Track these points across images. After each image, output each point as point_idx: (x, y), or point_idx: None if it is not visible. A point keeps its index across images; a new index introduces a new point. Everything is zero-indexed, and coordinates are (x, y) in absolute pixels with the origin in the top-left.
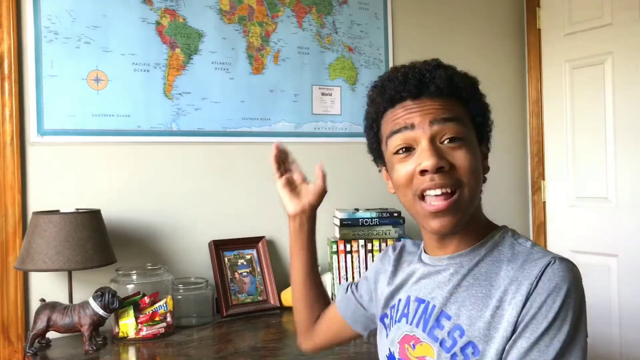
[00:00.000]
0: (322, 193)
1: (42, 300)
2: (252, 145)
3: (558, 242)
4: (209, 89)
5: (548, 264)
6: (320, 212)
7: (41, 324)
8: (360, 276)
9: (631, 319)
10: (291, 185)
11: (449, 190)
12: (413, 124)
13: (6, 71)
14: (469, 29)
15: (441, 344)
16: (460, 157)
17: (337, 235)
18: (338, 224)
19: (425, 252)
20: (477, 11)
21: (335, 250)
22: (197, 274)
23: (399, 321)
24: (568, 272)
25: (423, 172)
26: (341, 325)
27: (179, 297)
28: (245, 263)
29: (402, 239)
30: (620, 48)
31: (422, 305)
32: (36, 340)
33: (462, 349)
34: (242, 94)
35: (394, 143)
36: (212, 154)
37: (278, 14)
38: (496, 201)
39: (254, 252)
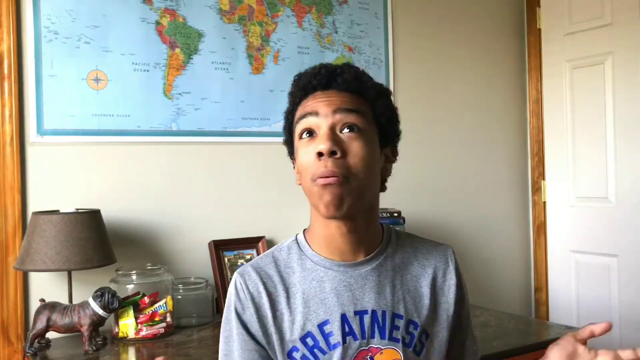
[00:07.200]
0: None
1: (42, 300)
2: (252, 145)
3: (558, 242)
4: (209, 89)
5: (451, 250)
6: None
7: (41, 324)
8: None
9: (631, 319)
10: None
11: (339, 180)
12: (318, 111)
13: (6, 71)
14: (469, 28)
15: (403, 342)
16: (354, 146)
17: None
18: None
19: (324, 257)
20: (477, 11)
21: None
22: (197, 274)
23: (343, 343)
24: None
25: (319, 155)
26: None
27: (179, 297)
28: (245, 263)
29: (244, 264)
30: (620, 48)
31: (367, 317)
32: (36, 340)
33: (419, 338)
34: (242, 93)
35: (299, 127)
36: (212, 154)
37: (278, 13)
38: (496, 201)
39: (254, 252)
